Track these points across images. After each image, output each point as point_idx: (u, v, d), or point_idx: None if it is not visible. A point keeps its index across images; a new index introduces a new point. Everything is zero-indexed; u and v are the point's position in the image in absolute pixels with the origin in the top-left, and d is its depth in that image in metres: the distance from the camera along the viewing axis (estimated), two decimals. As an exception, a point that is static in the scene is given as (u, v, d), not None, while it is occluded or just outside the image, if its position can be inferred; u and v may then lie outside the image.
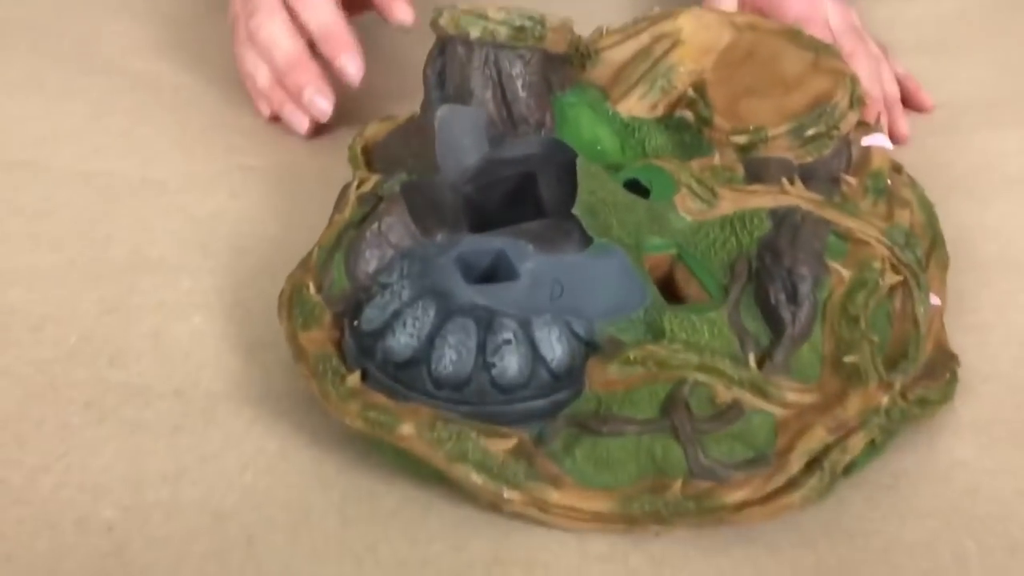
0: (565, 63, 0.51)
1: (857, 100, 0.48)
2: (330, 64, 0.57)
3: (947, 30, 0.74)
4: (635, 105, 0.51)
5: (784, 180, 0.46)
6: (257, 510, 0.38)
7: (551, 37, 0.49)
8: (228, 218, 0.53)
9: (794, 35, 0.51)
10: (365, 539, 0.38)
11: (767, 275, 0.42)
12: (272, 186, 0.55)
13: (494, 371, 0.38)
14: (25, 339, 0.45)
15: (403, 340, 0.39)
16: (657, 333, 0.41)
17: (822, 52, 0.50)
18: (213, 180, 0.55)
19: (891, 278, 0.43)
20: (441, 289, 0.40)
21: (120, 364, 0.44)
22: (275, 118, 0.60)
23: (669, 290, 0.44)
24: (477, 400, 0.38)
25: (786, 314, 0.41)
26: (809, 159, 0.48)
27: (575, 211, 0.43)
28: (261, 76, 0.59)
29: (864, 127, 0.50)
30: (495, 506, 0.38)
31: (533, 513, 0.37)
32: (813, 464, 0.38)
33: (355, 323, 0.40)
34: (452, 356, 0.38)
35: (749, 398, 0.39)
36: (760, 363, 0.40)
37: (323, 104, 0.57)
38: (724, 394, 0.39)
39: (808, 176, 0.47)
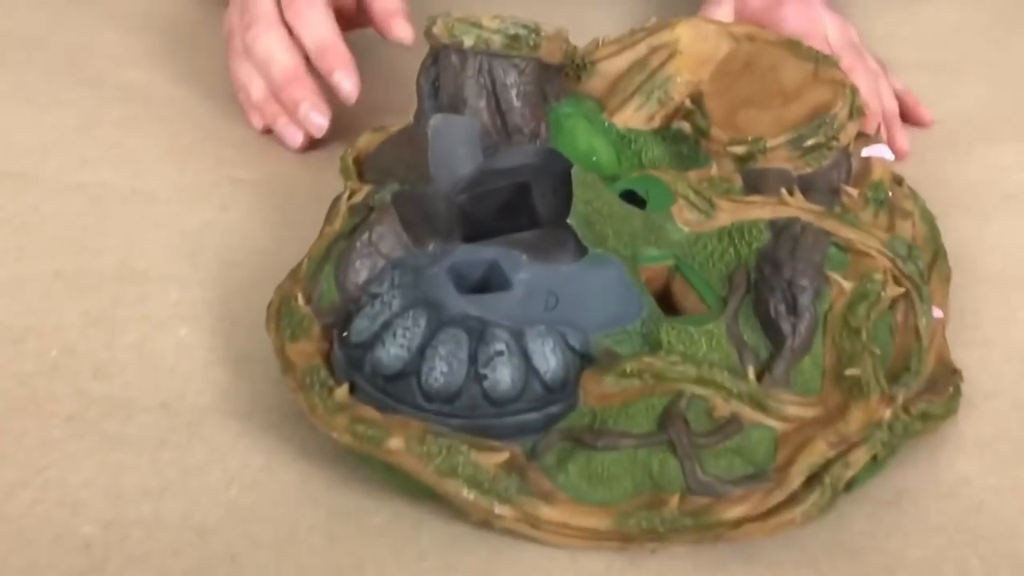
0: (560, 73, 0.50)
1: (857, 111, 0.48)
2: (326, 79, 0.57)
3: (945, 46, 0.74)
4: (631, 116, 0.50)
5: (783, 191, 0.45)
6: (242, 526, 0.37)
7: (546, 46, 0.48)
8: (218, 230, 0.52)
9: (793, 45, 0.51)
10: (353, 557, 0.37)
11: (767, 287, 0.41)
12: (263, 198, 0.55)
13: (486, 383, 0.37)
14: (7, 351, 0.44)
15: (393, 351, 0.38)
16: (654, 345, 0.40)
17: (821, 62, 0.50)
18: (203, 192, 0.55)
19: (893, 290, 0.42)
20: (432, 299, 0.39)
21: (104, 377, 0.43)
22: (267, 131, 0.59)
23: (666, 302, 0.43)
24: (468, 413, 0.38)
25: (786, 326, 0.40)
26: (808, 170, 0.47)
27: (570, 221, 0.42)
28: (256, 89, 0.59)
29: (864, 138, 0.49)
30: (486, 522, 0.37)
31: (525, 529, 0.37)
32: (814, 479, 0.37)
33: (344, 334, 0.40)
34: (443, 368, 0.37)
35: (748, 412, 0.39)
36: (759, 376, 0.40)
37: (319, 120, 0.57)
38: (723, 407, 0.39)
39: (807, 187, 0.46)
